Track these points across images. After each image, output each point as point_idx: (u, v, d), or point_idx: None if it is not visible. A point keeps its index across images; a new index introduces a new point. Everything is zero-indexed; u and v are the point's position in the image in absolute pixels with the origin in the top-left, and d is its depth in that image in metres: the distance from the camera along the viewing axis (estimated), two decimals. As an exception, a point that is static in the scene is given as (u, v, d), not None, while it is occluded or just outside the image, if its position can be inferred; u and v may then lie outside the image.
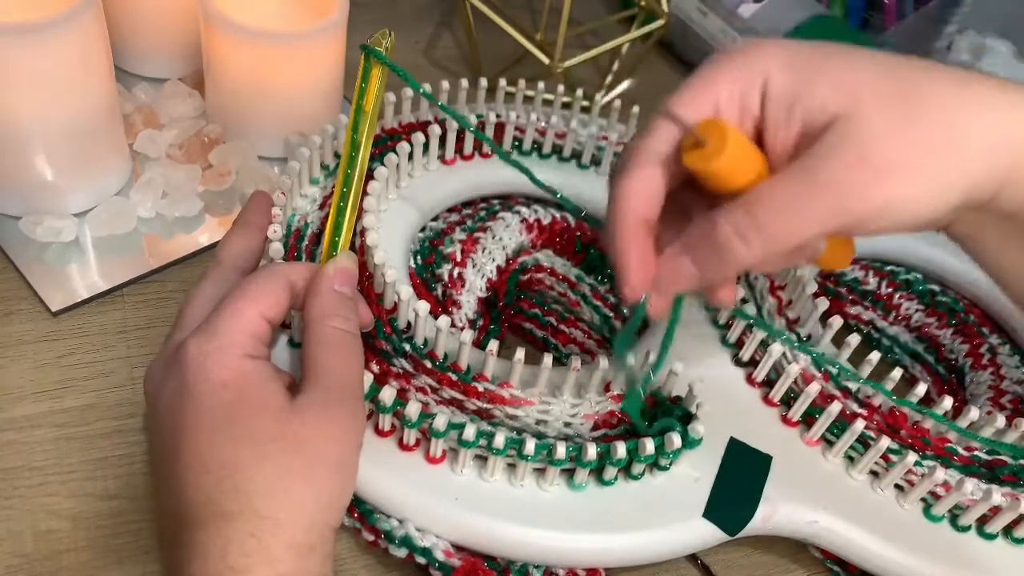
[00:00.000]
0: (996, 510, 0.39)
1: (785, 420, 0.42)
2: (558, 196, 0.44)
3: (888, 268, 0.53)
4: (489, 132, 0.48)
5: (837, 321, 0.44)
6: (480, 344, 0.43)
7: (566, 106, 0.58)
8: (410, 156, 0.47)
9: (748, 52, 0.30)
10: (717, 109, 0.30)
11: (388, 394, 0.36)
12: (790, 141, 0.30)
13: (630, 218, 0.32)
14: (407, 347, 0.39)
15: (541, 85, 0.54)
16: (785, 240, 0.28)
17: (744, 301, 0.45)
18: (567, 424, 0.39)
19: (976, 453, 0.42)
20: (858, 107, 0.28)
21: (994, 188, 0.29)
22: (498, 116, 0.50)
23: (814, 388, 0.40)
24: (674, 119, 0.30)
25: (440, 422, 0.35)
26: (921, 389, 0.43)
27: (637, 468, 0.38)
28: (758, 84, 0.30)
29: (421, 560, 0.36)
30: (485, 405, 0.38)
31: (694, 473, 0.39)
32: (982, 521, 0.40)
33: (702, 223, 0.30)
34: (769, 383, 0.43)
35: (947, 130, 0.28)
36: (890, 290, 0.52)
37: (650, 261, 0.32)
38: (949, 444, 0.41)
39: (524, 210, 0.50)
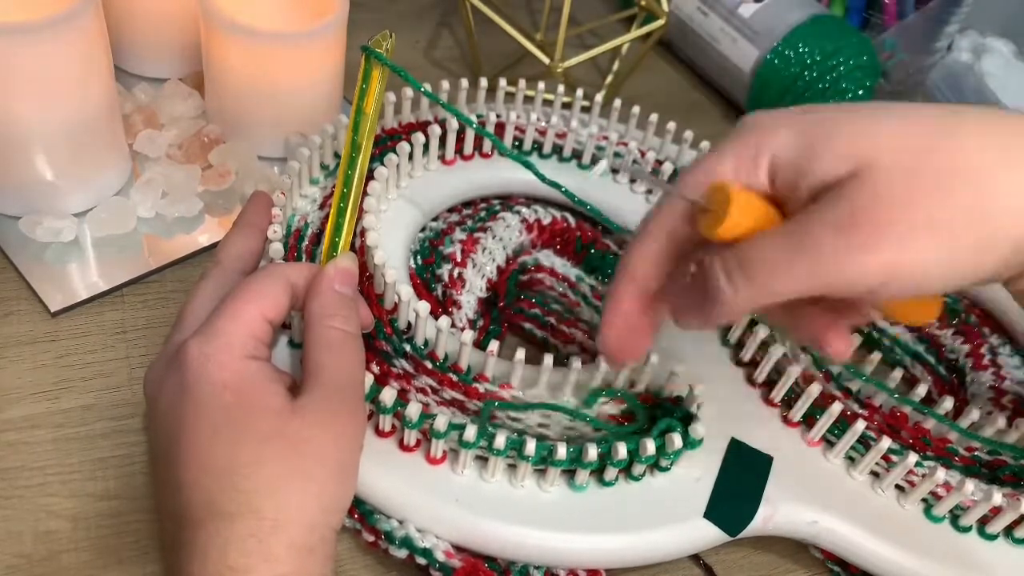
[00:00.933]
0: (997, 510, 0.39)
1: (786, 420, 0.42)
2: (563, 190, 0.44)
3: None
4: (488, 131, 0.48)
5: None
6: (480, 344, 0.43)
7: (566, 106, 0.58)
8: (410, 156, 0.47)
9: (752, 130, 0.30)
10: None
11: (388, 395, 0.35)
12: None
13: (627, 283, 0.32)
14: (407, 348, 0.39)
15: (541, 85, 0.54)
16: (771, 292, 0.28)
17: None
18: (568, 428, 0.38)
19: (977, 453, 0.42)
20: (871, 165, 0.27)
21: None
22: (498, 116, 0.50)
23: (815, 388, 0.40)
24: (676, 193, 0.30)
25: (441, 423, 0.35)
26: (922, 389, 0.43)
27: (638, 469, 0.38)
28: (764, 165, 0.29)
29: (422, 561, 0.36)
30: (486, 406, 0.38)
31: (695, 474, 0.39)
32: (983, 522, 0.40)
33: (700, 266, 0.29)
34: (770, 383, 0.43)
35: (971, 194, 0.26)
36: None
37: (632, 330, 0.33)
38: (950, 444, 0.41)
39: (524, 210, 0.50)
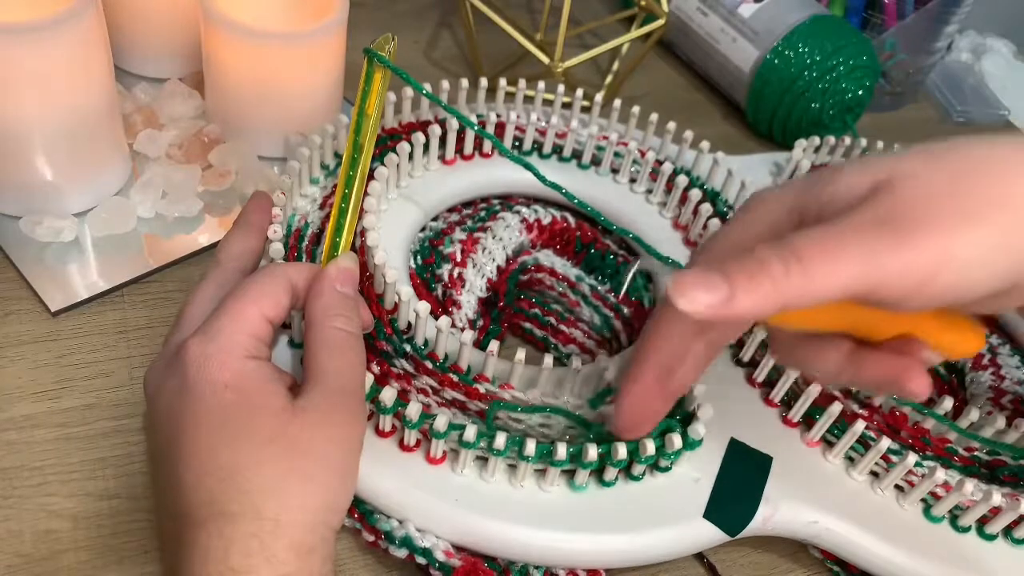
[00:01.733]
0: (996, 511, 0.39)
1: (786, 421, 0.42)
2: (563, 191, 0.44)
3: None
4: (489, 132, 0.48)
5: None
6: (480, 344, 0.43)
7: (566, 106, 0.58)
8: (410, 156, 0.47)
9: (757, 205, 0.32)
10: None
11: (388, 395, 0.35)
12: None
13: (651, 358, 0.34)
14: (408, 348, 0.39)
15: (541, 85, 0.54)
16: (821, 282, 0.26)
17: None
18: (569, 427, 0.38)
19: (976, 453, 0.42)
20: (893, 177, 0.28)
21: None
22: (498, 116, 0.50)
23: (815, 388, 0.40)
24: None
25: (441, 423, 0.35)
26: (921, 390, 0.43)
27: (638, 469, 0.38)
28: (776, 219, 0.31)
29: (421, 561, 0.36)
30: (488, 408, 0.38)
31: (694, 474, 0.39)
32: (982, 522, 0.40)
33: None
34: (770, 383, 0.43)
35: (1002, 187, 0.27)
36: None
37: (648, 406, 0.35)
38: (949, 444, 0.41)
39: (524, 210, 0.50)
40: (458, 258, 0.47)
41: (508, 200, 0.51)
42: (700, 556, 0.41)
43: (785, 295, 0.26)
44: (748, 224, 0.32)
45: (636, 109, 0.53)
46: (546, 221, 0.50)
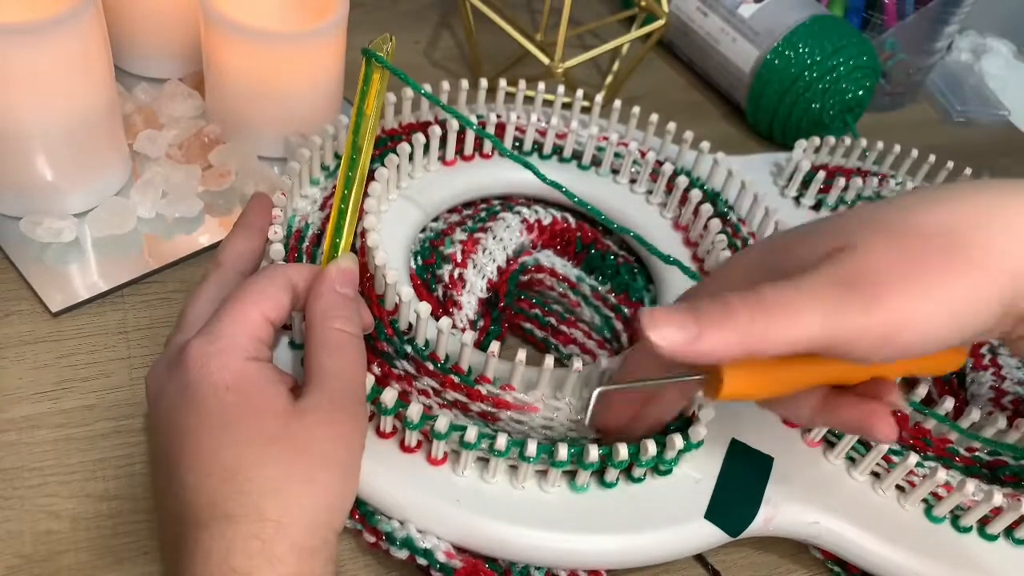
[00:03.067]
0: (997, 511, 0.39)
1: (786, 421, 0.42)
2: (563, 189, 0.44)
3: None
4: (489, 132, 0.48)
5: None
6: (481, 345, 0.43)
7: (566, 107, 0.58)
8: (410, 157, 0.47)
9: (731, 262, 0.34)
10: None
11: (389, 396, 0.35)
12: None
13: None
14: (408, 349, 0.39)
15: (541, 85, 0.54)
16: (782, 333, 0.27)
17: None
18: (571, 429, 0.38)
19: (977, 454, 0.42)
20: (855, 239, 0.28)
21: None
22: (498, 117, 0.50)
23: (815, 389, 0.40)
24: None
25: (442, 424, 0.35)
26: (922, 390, 0.43)
27: (639, 470, 0.38)
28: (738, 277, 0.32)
29: (422, 562, 0.36)
30: (490, 409, 0.38)
31: (695, 475, 0.39)
32: (983, 522, 0.40)
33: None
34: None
35: (952, 251, 0.28)
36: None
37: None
38: (950, 445, 0.41)
39: (525, 210, 0.50)
40: (458, 259, 0.47)
41: (508, 201, 0.51)
42: (702, 559, 0.40)
43: (748, 340, 0.27)
44: (723, 279, 0.33)
45: (636, 110, 0.53)
46: (546, 222, 0.50)
